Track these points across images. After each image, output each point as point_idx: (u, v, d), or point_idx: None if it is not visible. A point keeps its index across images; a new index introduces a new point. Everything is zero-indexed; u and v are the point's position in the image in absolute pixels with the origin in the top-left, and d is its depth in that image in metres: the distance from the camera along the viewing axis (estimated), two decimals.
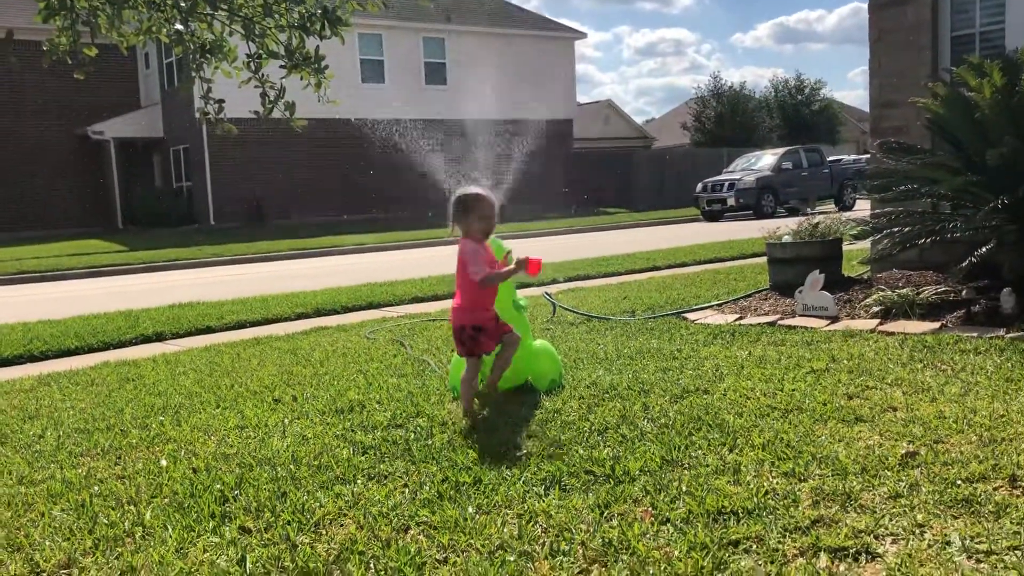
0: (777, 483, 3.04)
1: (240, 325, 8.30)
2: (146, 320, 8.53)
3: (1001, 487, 2.86)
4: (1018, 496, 2.78)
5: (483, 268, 4.05)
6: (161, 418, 4.58)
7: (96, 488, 3.47)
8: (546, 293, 8.18)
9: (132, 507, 3.23)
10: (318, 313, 8.86)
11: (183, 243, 21.28)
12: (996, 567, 2.33)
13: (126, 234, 26.22)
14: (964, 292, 6.18)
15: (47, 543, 2.92)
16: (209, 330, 8.10)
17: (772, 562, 2.44)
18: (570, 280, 10.72)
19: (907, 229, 6.54)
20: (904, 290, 6.37)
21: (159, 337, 7.79)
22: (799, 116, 49.52)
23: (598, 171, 34.97)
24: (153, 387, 5.44)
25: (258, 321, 8.46)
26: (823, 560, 2.45)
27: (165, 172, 30.69)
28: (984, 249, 5.93)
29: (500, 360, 4.34)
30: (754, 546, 2.56)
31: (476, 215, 4.07)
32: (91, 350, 7.32)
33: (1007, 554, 2.39)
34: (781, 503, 2.85)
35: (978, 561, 2.38)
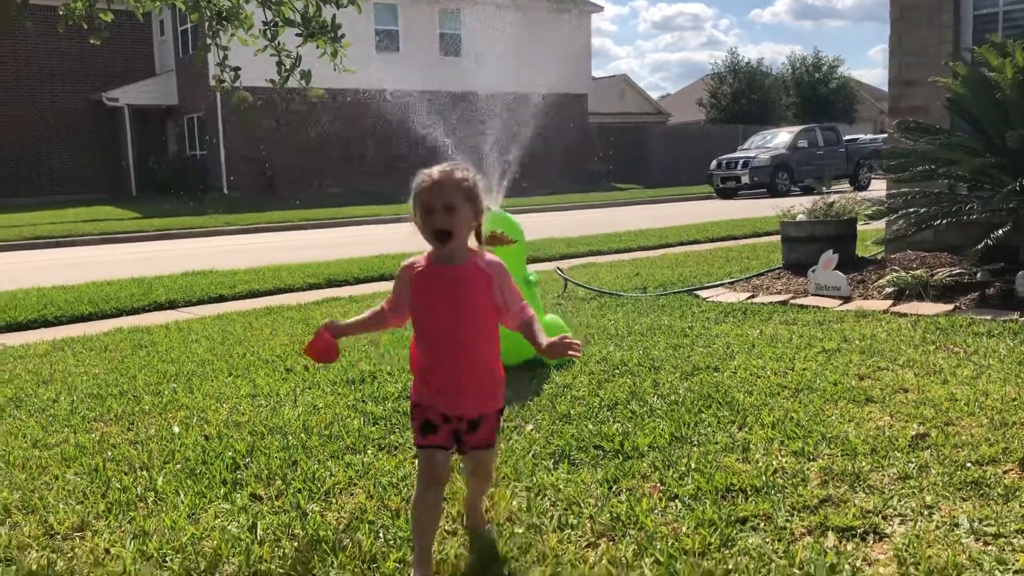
0: (786, 462, 3.04)
1: (252, 294, 8.33)
2: (159, 288, 8.57)
3: (1011, 470, 2.86)
4: None
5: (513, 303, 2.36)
6: (174, 385, 4.61)
7: (109, 453, 3.50)
8: (558, 268, 8.17)
9: (145, 472, 3.26)
10: (330, 284, 8.88)
11: (196, 211, 21.32)
12: (1004, 549, 2.33)
13: (140, 201, 26.28)
14: (979, 274, 6.14)
15: (61, 506, 2.96)
16: (221, 299, 8.13)
17: (780, 540, 2.45)
18: (582, 255, 10.70)
19: (923, 210, 6.49)
20: (918, 271, 6.33)
21: (172, 305, 7.83)
22: (816, 94, 49.03)
23: (612, 146, 34.78)
24: (166, 354, 5.47)
25: (270, 291, 8.48)
26: (831, 539, 2.45)
27: (179, 140, 30.68)
28: (1000, 231, 5.88)
29: (485, 467, 2.52)
30: (762, 524, 2.57)
31: (417, 208, 2.29)
32: (104, 316, 7.36)
33: (1015, 537, 2.39)
34: (790, 482, 2.85)
35: (986, 543, 2.38)
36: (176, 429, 3.79)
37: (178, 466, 3.31)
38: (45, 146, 28.46)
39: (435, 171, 2.29)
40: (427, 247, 2.33)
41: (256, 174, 27.67)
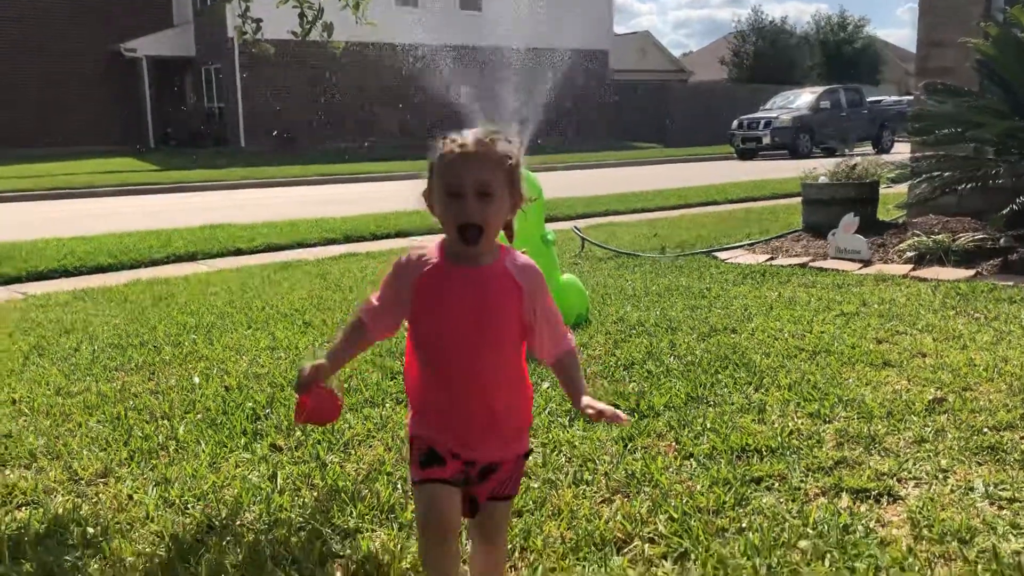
0: (802, 423, 3.05)
1: (270, 248, 8.36)
2: (178, 240, 8.61)
3: None
4: None
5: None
6: (193, 336, 4.66)
7: (131, 402, 3.55)
8: (575, 227, 8.14)
9: (166, 422, 3.31)
10: (347, 239, 8.90)
11: (214, 164, 21.33)
12: (1019, 514, 2.33)
13: (158, 153, 26.32)
14: (1002, 240, 6.08)
15: (84, 452, 3.01)
16: (239, 252, 8.17)
17: (794, 500, 2.47)
18: (600, 215, 10.65)
19: (947, 174, 6.41)
20: (940, 236, 6.28)
21: (191, 257, 7.87)
22: (840, 54, 48.27)
23: (633, 105, 34.44)
24: (185, 306, 5.52)
25: (288, 245, 8.51)
26: (845, 500, 2.47)
27: (197, 92, 30.59)
28: None
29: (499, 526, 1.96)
30: (776, 484, 2.58)
31: (438, 186, 1.74)
32: (124, 268, 7.41)
33: None
34: (805, 443, 2.86)
35: (1000, 508, 2.39)
36: (196, 380, 3.83)
37: (199, 416, 3.35)
38: (63, 97, 28.44)
39: (469, 138, 1.69)
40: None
41: (274, 128, 27.62)
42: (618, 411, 1.75)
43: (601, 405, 1.76)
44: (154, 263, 7.61)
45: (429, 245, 1.79)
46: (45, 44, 28.08)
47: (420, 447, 1.80)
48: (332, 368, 1.83)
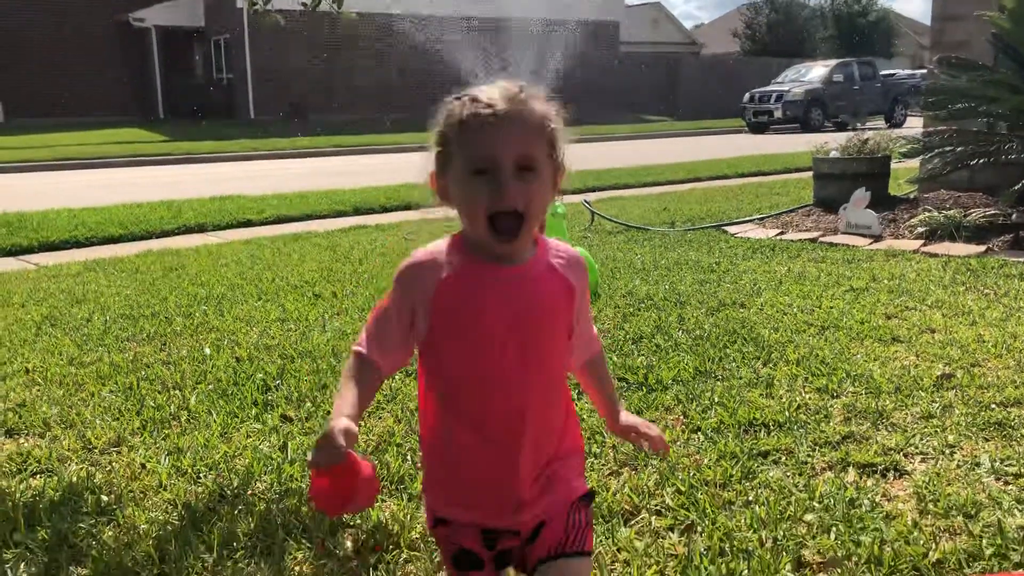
0: (810, 398, 3.06)
1: (280, 220, 8.37)
2: (188, 211, 8.64)
3: None
4: None
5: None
6: (204, 308, 4.68)
7: (143, 372, 3.59)
8: (585, 201, 8.12)
9: (177, 392, 3.34)
10: (357, 212, 8.91)
11: (223, 135, 21.31)
12: None
13: (167, 124, 26.30)
14: (1014, 216, 6.05)
15: (98, 422, 3.05)
16: (249, 223, 8.18)
17: (800, 474, 2.48)
18: (610, 188, 10.62)
19: (960, 149, 6.36)
20: (951, 211, 6.25)
21: (201, 228, 7.89)
22: (854, 27, 47.74)
23: (644, 77, 34.19)
24: (196, 277, 5.54)
25: (298, 217, 8.52)
26: (851, 475, 2.48)
27: (206, 62, 30.52)
28: None
29: None
30: (783, 458, 2.60)
31: (456, 160, 1.33)
32: (135, 238, 7.44)
33: None
34: (812, 418, 2.87)
35: (1006, 483, 2.40)
36: (207, 351, 3.86)
37: (210, 386, 3.38)
38: (72, 67, 28.39)
39: (496, 95, 1.29)
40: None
41: (284, 99, 27.54)
42: (662, 435, 1.55)
43: (647, 426, 1.54)
44: (165, 234, 7.64)
45: (438, 243, 1.39)
46: (53, 14, 28.01)
47: (448, 545, 1.43)
48: (355, 419, 1.27)
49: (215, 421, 3.02)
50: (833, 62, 28.13)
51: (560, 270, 1.41)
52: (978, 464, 2.51)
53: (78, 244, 7.18)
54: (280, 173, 14.16)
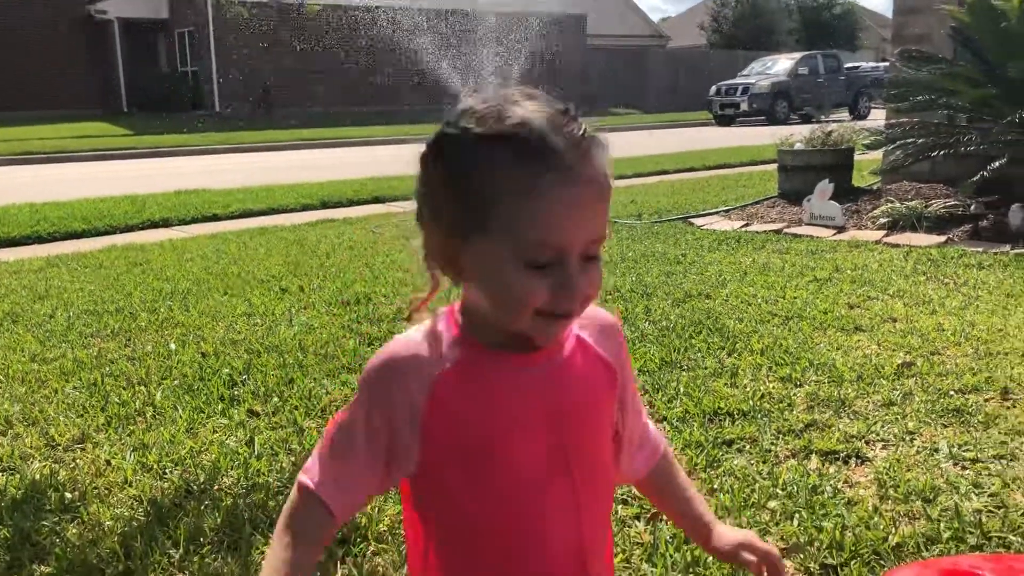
0: (773, 387, 3.10)
1: (246, 214, 8.30)
2: (152, 205, 8.54)
3: (992, 399, 2.92)
4: (1008, 408, 2.84)
5: None
6: (169, 303, 4.64)
7: (107, 368, 3.55)
8: None
9: (143, 387, 3.31)
10: (324, 205, 8.85)
11: (189, 129, 21.07)
12: (980, 474, 2.40)
13: (131, 118, 25.94)
14: (973, 207, 6.15)
15: (61, 418, 3.01)
16: (215, 218, 8.11)
17: (764, 462, 2.52)
18: None
19: (921, 140, 6.46)
20: (913, 202, 6.34)
21: (166, 223, 7.81)
22: (819, 19, 48.18)
23: (610, 70, 34.28)
24: (161, 272, 5.49)
25: (264, 211, 8.45)
26: (814, 462, 2.52)
27: (170, 55, 30.09)
28: (997, 164, 5.87)
29: None
30: (748, 446, 2.63)
31: (499, 228, 0.89)
32: (98, 233, 7.34)
33: (992, 462, 2.46)
34: (776, 406, 2.91)
35: (963, 468, 2.45)
36: (173, 346, 3.83)
37: (176, 382, 3.36)
38: (34, 60, 27.88)
39: (560, 142, 0.88)
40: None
41: (249, 92, 27.28)
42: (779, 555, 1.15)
43: (765, 546, 1.14)
44: (129, 229, 7.54)
45: (419, 328, 1.01)
46: (13, 6, 27.49)
47: None
48: None
49: (181, 417, 3.00)
50: (798, 55, 28.38)
51: (592, 345, 1.03)
52: (937, 450, 2.56)
53: (40, 239, 7.07)
54: (246, 167, 14.03)
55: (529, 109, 0.89)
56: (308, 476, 1.00)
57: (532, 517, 0.97)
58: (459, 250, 0.93)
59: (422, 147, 0.94)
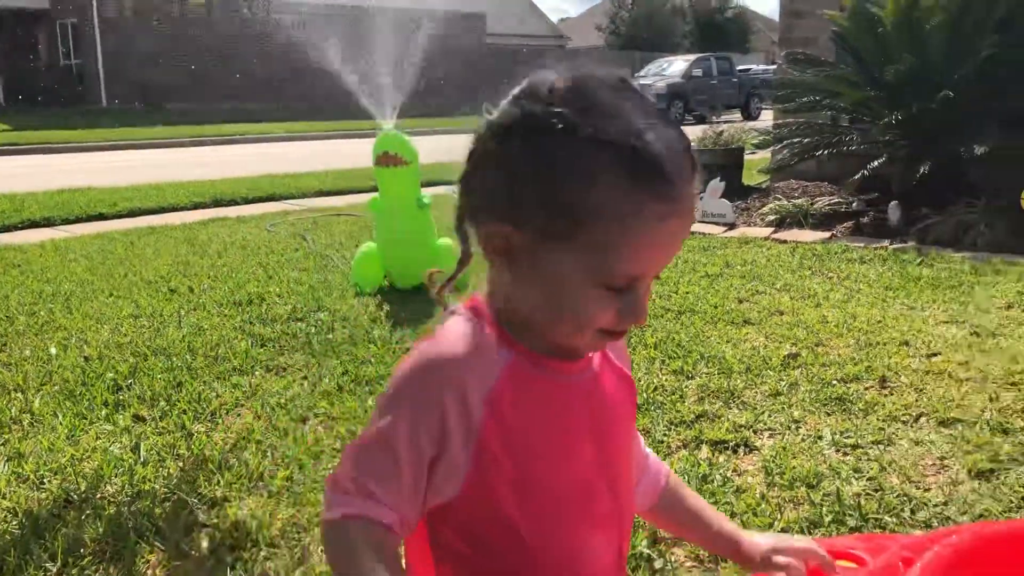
0: (666, 380, 3.16)
1: (134, 213, 7.99)
2: (32, 204, 8.13)
3: (872, 387, 3.06)
4: (886, 395, 2.97)
5: None
6: (50, 305, 4.43)
7: None
8: (454, 191, 8.13)
9: (20, 394, 3.15)
10: (216, 203, 8.59)
11: (72, 124, 20.17)
12: (860, 459, 2.50)
13: (10, 111, 24.68)
14: (855, 204, 6.43)
15: None
16: (101, 217, 7.78)
17: (657, 452, 2.55)
18: None
19: (806, 140, 6.72)
20: (799, 200, 6.58)
21: (47, 223, 7.45)
22: (712, 22, 49.59)
23: (509, 70, 34.45)
24: (41, 274, 5.23)
25: (153, 209, 8.16)
26: (704, 452, 2.59)
27: (51, 47, 28.79)
28: (876, 163, 6.15)
29: None
30: (641, 438, 2.67)
31: (585, 247, 0.83)
32: None
33: (871, 448, 2.57)
34: (669, 399, 2.97)
35: (845, 454, 2.55)
36: (53, 350, 3.65)
37: (56, 388, 3.20)
38: None
39: (688, 172, 0.87)
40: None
41: (138, 86, 26.33)
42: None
43: (798, 545, 1.09)
44: (6, 229, 7.16)
45: (457, 322, 0.93)
46: None
47: None
48: None
49: (61, 424, 2.86)
50: (693, 57, 29.10)
51: (616, 360, 1.01)
52: (820, 437, 2.66)
53: None
54: (135, 164, 13.52)
55: (643, 119, 0.83)
56: (349, 506, 0.85)
57: (583, 535, 0.93)
58: (524, 247, 0.86)
59: (495, 116, 0.91)
